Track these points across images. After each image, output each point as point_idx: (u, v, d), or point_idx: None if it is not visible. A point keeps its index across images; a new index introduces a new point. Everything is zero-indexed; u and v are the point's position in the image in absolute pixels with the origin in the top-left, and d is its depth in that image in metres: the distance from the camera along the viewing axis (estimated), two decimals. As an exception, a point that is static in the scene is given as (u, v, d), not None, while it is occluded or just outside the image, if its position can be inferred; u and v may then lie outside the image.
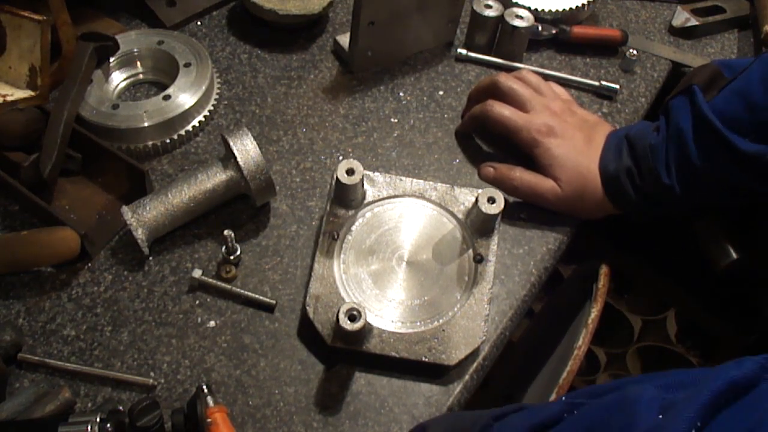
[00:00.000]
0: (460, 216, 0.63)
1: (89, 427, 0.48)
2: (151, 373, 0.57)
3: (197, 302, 0.61)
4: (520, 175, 0.68)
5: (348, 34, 0.79)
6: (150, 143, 0.70)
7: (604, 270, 0.73)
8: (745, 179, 0.61)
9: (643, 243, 1.02)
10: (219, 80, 0.77)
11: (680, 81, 0.68)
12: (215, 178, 0.63)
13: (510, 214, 0.68)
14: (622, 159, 0.65)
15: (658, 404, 0.35)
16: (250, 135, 0.62)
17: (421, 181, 0.65)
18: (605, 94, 0.81)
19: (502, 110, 0.68)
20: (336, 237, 0.61)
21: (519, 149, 0.69)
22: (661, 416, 0.34)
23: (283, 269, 0.64)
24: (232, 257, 0.63)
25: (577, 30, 0.84)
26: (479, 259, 0.61)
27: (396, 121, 0.77)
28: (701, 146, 0.61)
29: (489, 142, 0.75)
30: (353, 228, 0.63)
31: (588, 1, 0.84)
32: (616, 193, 0.66)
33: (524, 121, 0.67)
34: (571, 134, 0.67)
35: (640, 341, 1.23)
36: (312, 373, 0.58)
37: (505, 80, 0.71)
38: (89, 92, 0.70)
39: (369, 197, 0.64)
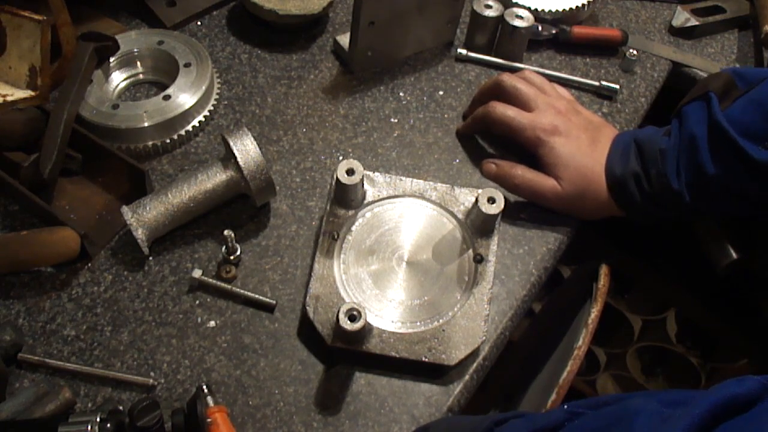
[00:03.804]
0: (460, 216, 0.63)
1: (89, 427, 0.48)
2: (151, 373, 0.57)
3: (197, 302, 0.61)
4: (522, 172, 0.67)
5: (348, 34, 0.79)
6: (150, 143, 0.70)
7: (604, 270, 0.73)
8: (756, 188, 0.60)
9: (644, 243, 1.02)
10: (219, 80, 0.77)
11: (693, 87, 0.67)
12: (215, 178, 0.63)
13: (510, 214, 0.68)
14: (629, 163, 0.65)
15: (658, 418, 0.35)
16: (250, 135, 0.62)
17: (421, 181, 0.65)
18: (605, 94, 0.81)
19: (505, 110, 0.68)
20: (336, 237, 0.61)
21: (523, 149, 0.69)
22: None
23: (283, 269, 0.64)
24: (232, 257, 0.63)
25: (577, 30, 0.84)
26: (479, 259, 0.61)
27: (396, 121, 0.77)
28: (714, 154, 0.61)
29: (492, 143, 0.75)
30: (353, 228, 0.63)
31: (588, 1, 0.84)
32: (623, 197, 0.65)
33: (528, 121, 0.67)
34: (576, 134, 0.67)
35: (640, 341, 1.23)
36: (312, 373, 0.58)
37: (509, 79, 0.71)
38: (89, 92, 0.70)
39: (369, 197, 0.64)
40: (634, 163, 0.65)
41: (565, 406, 0.43)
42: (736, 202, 0.63)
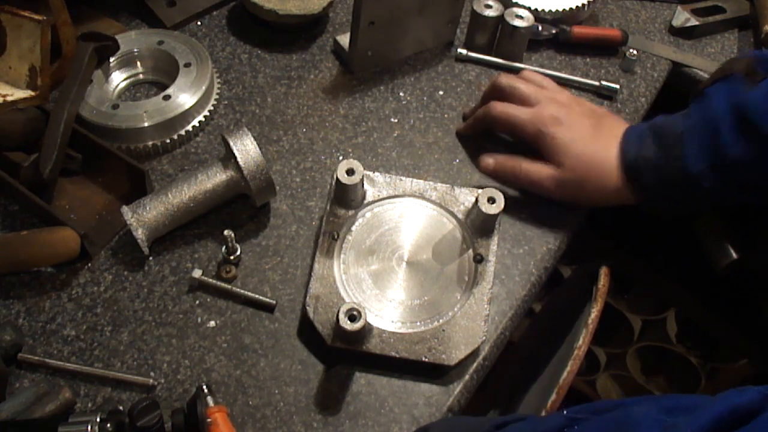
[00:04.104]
0: (460, 216, 0.63)
1: (89, 427, 0.48)
2: (151, 373, 0.57)
3: (197, 302, 0.61)
4: (519, 163, 0.67)
5: (348, 34, 0.79)
6: (150, 143, 0.70)
7: (604, 270, 0.73)
8: None
9: (644, 243, 1.02)
10: (219, 80, 0.77)
11: (716, 70, 0.65)
12: (215, 178, 0.63)
13: (510, 214, 0.68)
14: (644, 146, 0.63)
15: (659, 426, 0.35)
16: (250, 135, 0.62)
17: (421, 181, 0.65)
18: (605, 94, 0.81)
19: (506, 108, 0.68)
20: (336, 237, 0.61)
21: (527, 148, 0.68)
22: None
23: (283, 269, 0.64)
24: (232, 257, 0.63)
25: (577, 30, 0.84)
26: (479, 259, 0.61)
27: (396, 121, 0.77)
28: (737, 136, 0.58)
29: (493, 143, 0.75)
30: (353, 228, 0.63)
31: (588, 1, 0.84)
32: (637, 182, 0.63)
33: (530, 115, 0.66)
34: (579, 122, 0.66)
35: (640, 341, 1.23)
36: (312, 373, 0.58)
37: (506, 79, 0.70)
38: (89, 92, 0.70)
39: (369, 197, 0.64)
40: (649, 147, 0.62)
41: (565, 412, 0.42)
42: (758, 189, 0.60)
